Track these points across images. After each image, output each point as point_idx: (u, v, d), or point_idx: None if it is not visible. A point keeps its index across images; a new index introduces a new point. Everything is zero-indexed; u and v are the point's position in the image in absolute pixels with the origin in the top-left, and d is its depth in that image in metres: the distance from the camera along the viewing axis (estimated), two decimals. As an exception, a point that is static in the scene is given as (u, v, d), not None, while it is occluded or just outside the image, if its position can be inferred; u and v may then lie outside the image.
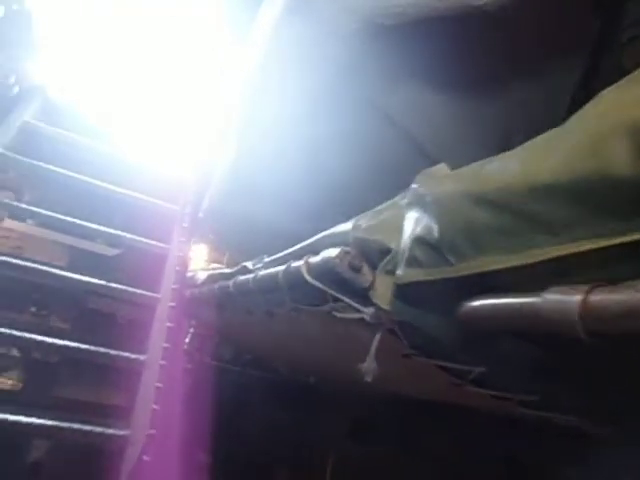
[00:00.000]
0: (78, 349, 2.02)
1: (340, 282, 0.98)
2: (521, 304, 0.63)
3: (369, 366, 1.01)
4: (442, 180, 0.80)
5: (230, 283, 1.61)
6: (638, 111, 0.53)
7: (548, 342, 0.74)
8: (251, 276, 1.43)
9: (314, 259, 1.06)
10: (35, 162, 2.44)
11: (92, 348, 2.03)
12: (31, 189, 2.72)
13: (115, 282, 2.31)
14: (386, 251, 0.89)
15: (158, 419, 1.86)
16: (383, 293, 0.91)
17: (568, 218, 0.59)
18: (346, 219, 1.15)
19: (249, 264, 1.57)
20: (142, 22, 3.08)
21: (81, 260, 2.79)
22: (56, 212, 2.42)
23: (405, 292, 0.85)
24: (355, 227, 0.99)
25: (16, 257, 2.33)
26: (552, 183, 0.58)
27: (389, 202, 1.00)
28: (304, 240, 1.30)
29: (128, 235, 2.49)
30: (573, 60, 1.58)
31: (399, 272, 0.83)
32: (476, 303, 0.71)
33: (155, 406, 1.89)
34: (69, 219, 2.41)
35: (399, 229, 0.87)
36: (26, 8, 2.49)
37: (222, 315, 2.14)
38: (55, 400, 2.51)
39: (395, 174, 1.84)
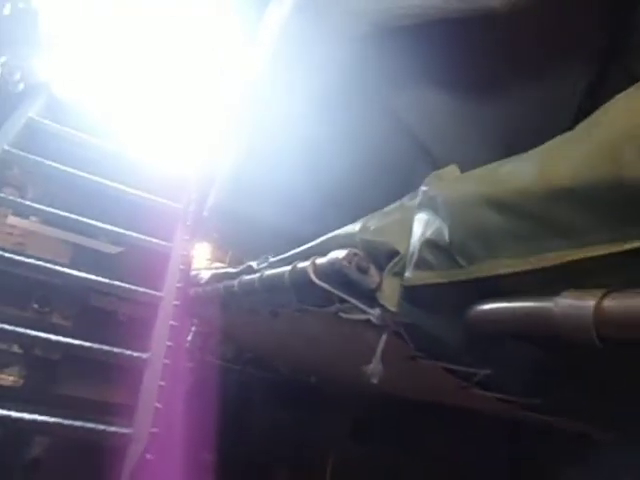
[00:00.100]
0: (81, 346, 2.02)
1: (347, 283, 0.98)
2: (533, 308, 0.63)
3: (375, 368, 1.00)
4: (453, 182, 0.80)
5: (235, 282, 1.61)
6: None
7: (557, 346, 0.73)
8: (256, 276, 1.43)
9: (321, 260, 1.05)
10: (39, 159, 2.43)
11: (95, 346, 2.03)
12: (35, 186, 2.72)
13: (117, 280, 2.31)
14: (394, 253, 0.89)
15: (161, 417, 1.86)
16: (390, 295, 0.90)
17: (582, 222, 0.58)
18: (349, 220, 1.15)
19: (254, 264, 1.56)
20: (147, 21, 3.08)
21: (84, 257, 2.79)
22: (59, 209, 2.41)
23: (413, 294, 0.85)
24: (362, 229, 0.99)
25: (19, 254, 2.33)
26: (568, 187, 0.58)
27: (396, 203, 1.00)
28: (306, 240, 1.30)
29: (131, 233, 2.49)
30: (582, 63, 1.58)
31: (407, 274, 0.83)
32: (487, 306, 0.71)
33: (158, 404, 1.89)
34: (72, 216, 2.40)
35: (407, 231, 0.86)
36: (33, 6, 2.48)
37: (225, 314, 2.14)
38: (56, 397, 2.51)
39: (399, 175, 1.84)
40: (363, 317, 1.01)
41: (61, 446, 2.35)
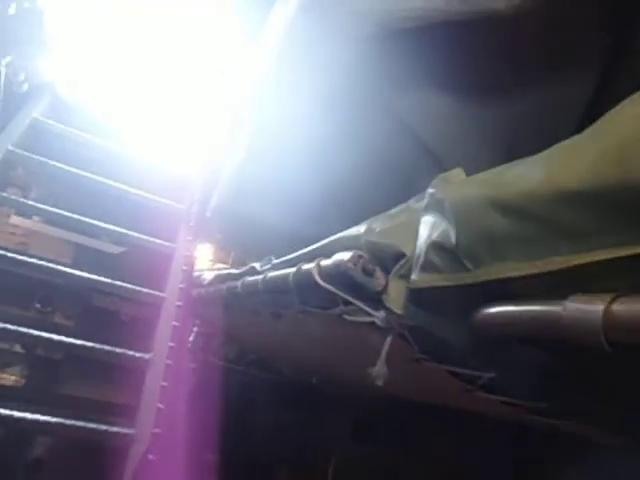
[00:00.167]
0: (83, 346, 2.02)
1: (352, 286, 0.98)
2: (541, 312, 0.63)
3: (380, 370, 1.00)
4: (460, 185, 0.80)
5: (238, 284, 1.61)
6: (665, 120, 0.53)
7: (564, 350, 0.73)
8: (260, 277, 1.43)
9: (326, 262, 1.05)
10: (43, 159, 2.44)
11: (97, 346, 2.03)
12: (38, 186, 2.72)
13: (120, 280, 2.31)
14: (400, 255, 0.89)
15: (163, 418, 1.86)
16: (396, 297, 0.90)
17: (590, 226, 0.58)
18: (351, 221, 1.15)
19: (257, 265, 1.56)
20: (150, 21, 3.08)
21: (86, 257, 2.79)
22: (62, 209, 2.42)
23: (419, 297, 0.84)
24: (368, 230, 0.99)
25: (21, 253, 2.33)
26: (575, 191, 0.58)
27: (402, 206, 1.00)
28: (309, 241, 1.30)
29: (134, 233, 2.49)
30: (586, 65, 1.57)
31: (414, 277, 0.83)
32: (493, 310, 0.70)
33: (160, 405, 1.89)
34: (75, 216, 2.41)
35: (414, 233, 0.86)
36: (38, 6, 2.49)
37: (228, 315, 2.14)
38: (58, 397, 2.51)
39: (401, 176, 1.84)
40: (367, 319, 1.01)
41: (63, 446, 2.35)
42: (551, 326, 0.61)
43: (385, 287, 0.91)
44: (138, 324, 2.54)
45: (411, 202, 0.96)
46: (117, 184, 2.58)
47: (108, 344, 2.07)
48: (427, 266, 0.79)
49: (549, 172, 0.62)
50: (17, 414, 1.75)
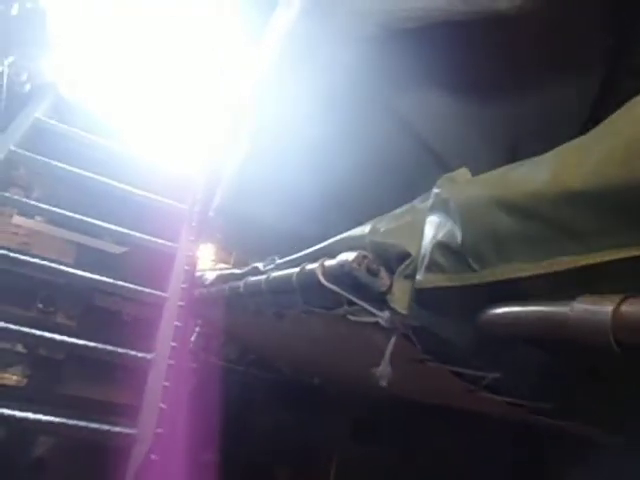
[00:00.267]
0: (85, 346, 2.02)
1: (356, 286, 0.98)
2: (548, 312, 0.63)
3: (384, 370, 1.00)
4: (466, 185, 0.80)
5: (241, 284, 1.61)
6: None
7: (570, 351, 0.73)
8: (263, 277, 1.43)
9: (330, 262, 1.05)
10: (45, 159, 2.44)
11: (99, 346, 2.03)
12: (40, 186, 2.72)
13: (122, 280, 2.31)
14: (405, 255, 0.89)
15: (165, 418, 1.86)
16: (400, 297, 0.90)
17: (598, 226, 0.58)
18: (353, 220, 1.15)
19: (260, 265, 1.56)
20: (153, 22, 3.08)
21: (88, 257, 2.80)
22: (65, 209, 2.42)
23: (424, 297, 0.84)
24: (372, 230, 0.99)
25: (24, 253, 2.34)
26: (583, 191, 0.58)
27: (407, 206, 1.00)
28: (311, 241, 1.30)
29: (136, 233, 2.49)
30: (588, 65, 1.57)
31: (419, 277, 0.83)
32: (500, 310, 0.70)
33: (162, 405, 1.89)
34: (77, 216, 2.41)
35: (419, 234, 0.86)
36: (40, 6, 2.49)
37: (230, 315, 2.14)
38: (60, 397, 2.51)
39: (402, 176, 1.84)
40: (371, 320, 1.01)
41: (66, 446, 2.35)
42: (558, 327, 0.61)
43: (390, 287, 0.91)
44: (140, 324, 2.55)
45: (416, 202, 0.96)
46: (119, 184, 2.58)
47: (110, 344, 2.07)
48: (432, 266, 0.79)
49: (555, 172, 0.62)
50: (19, 414, 1.75)
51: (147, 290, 2.31)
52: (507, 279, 0.68)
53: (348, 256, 0.96)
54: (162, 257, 2.53)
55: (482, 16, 1.42)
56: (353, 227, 1.11)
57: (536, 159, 0.69)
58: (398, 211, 1.00)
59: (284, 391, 3.12)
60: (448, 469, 2.52)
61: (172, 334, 2.15)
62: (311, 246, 1.29)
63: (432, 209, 0.84)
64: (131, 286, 2.30)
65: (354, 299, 1.01)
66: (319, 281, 1.07)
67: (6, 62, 2.46)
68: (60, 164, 2.46)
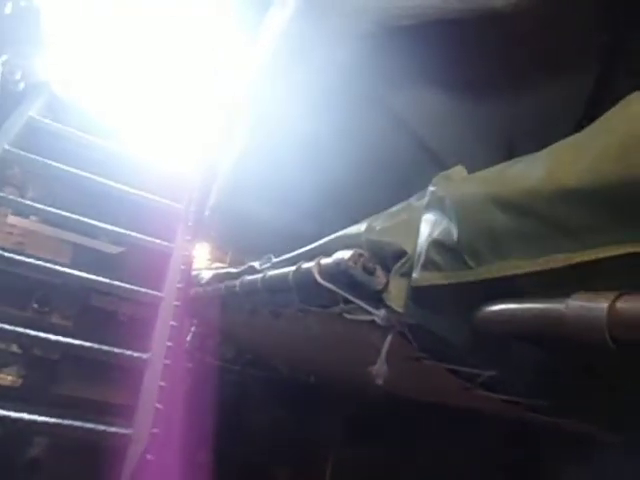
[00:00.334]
0: (81, 346, 2.01)
1: (352, 284, 0.98)
2: (543, 310, 0.63)
3: (380, 368, 1.00)
4: (462, 183, 0.80)
5: (237, 283, 1.60)
6: (668, 117, 0.53)
7: (565, 348, 0.73)
8: (259, 276, 1.42)
9: (326, 260, 1.05)
10: (39, 158, 2.42)
11: (95, 346, 2.02)
12: (35, 185, 2.71)
13: (118, 280, 2.30)
14: (401, 253, 0.89)
15: (161, 418, 1.85)
16: (397, 295, 0.90)
17: (593, 223, 0.58)
18: (349, 218, 1.15)
19: (256, 264, 1.56)
20: (148, 20, 3.08)
21: (84, 257, 2.78)
22: (60, 209, 2.41)
23: (420, 295, 0.84)
24: (368, 229, 0.99)
25: (19, 253, 2.32)
26: (578, 188, 0.58)
27: (403, 204, 1.00)
28: (307, 239, 1.30)
29: (132, 233, 2.48)
30: (584, 64, 1.58)
31: (415, 275, 0.83)
32: (496, 308, 0.70)
33: (158, 405, 1.88)
34: (72, 216, 2.40)
35: (415, 232, 0.86)
36: (34, 4, 2.47)
37: (226, 314, 2.14)
38: (56, 397, 2.50)
39: (398, 174, 1.84)
40: (368, 318, 1.01)
41: (61, 446, 2.34)
42: (554, 324, 0.61)
43: (386, 285, 0.91)
44: (136, 324, 2.54)
45: (412, 200, 0.96)
46: (115, 184, 2.57)
47: (106, 344, 2.06)
48: (428, 264, 0.79)
49: (550, 169, 0.63)
50: (14, 414, 1.74)
51: (143, 290, 2.30)
52: (503, 276, 0.68)
53: (344, 254, 0.96)
54: (158, 257, 2.52)
55: (477, 14, 1.42)
56: (349, 225, 1.11)
57: (531, 156, 0.69)
58: (394, 209, 1.00)
59: (280, 390, 3.11)
60: (445, 467, 2.52)
61: (168, 334, 2.14)
62: (307, 244, 1.29)
63: (428, 207, 0.84)
64: (127, 286, 2.29)
65: (350, 297, 1.01)
66: (315, 280, 1.07)
67: (0, 60, 2.44)
68: (55, 163, 2.45)
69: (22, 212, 2.61)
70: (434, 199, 0.83)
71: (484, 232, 0.69)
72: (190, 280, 2.41)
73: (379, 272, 0.92)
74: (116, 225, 2.47)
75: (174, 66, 3.17)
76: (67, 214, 2.39)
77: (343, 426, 2.94)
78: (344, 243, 1.04)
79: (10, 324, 1.96)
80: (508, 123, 1.75)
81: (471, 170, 0.89)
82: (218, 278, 2.00)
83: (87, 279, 2.27)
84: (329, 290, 1.05)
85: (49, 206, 2.42)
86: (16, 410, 1.76)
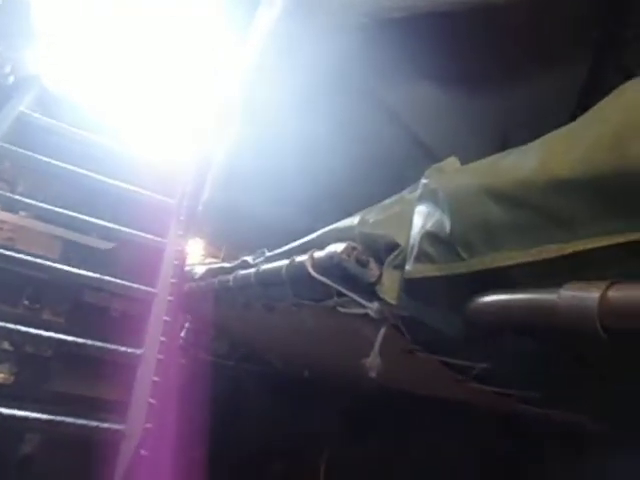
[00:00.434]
0: (74, 343, 2.00)
1: (346, 277, 0.98)
2: (536, 300, 0.63)
3: (373, 361, 1.00)
4: (454, 174, 0.80)
5: (230, 277, 1.60)
6: (659, 107, 0.53)
7: (557, 339, 0.74)
8: (252, 270, 1.42)
9: (319, 254, 1.05)
10: (29, 153, 2.40)
11: (88, 342, 2.01)
12: (25, 180, 2.68)
13: (110, 276, 2.28)
14: (394, 246, 0.89)
15: (155, 413, 1.85)
16: (390, 288, 0.90)
17: (585, 213, 0.58)
18: (343, 213, 1.15)
19: (249, 258, 1.56)
20: (141, 14, 3.05)
21: (75, 253, 2.76)
22: (50, 204, 2.38)
23: (413, 287, 0.85)
24: (362, 222, 0.99)
25: (8, 249, 2.30)
26: (571, 178, 0.58)
27: (396, 196, 1.00)
28: (301, 235, 1.29)
29: (123, 228, 2.47)
30: (576, 57, 1.58)
31: (408, 267, 0.83)
32: (488, 299, 0.71)
33: (151, 400, 1.88)
34: (63, 211, 2.37)
35: (408, 224, 0.86)
36: (25, -3, 2.44)
37: (219, 309, 2.13)
38: (49, 394, 2.49)
39: (392, 167, 1.84)
40: (361, 311, 1.01)
41: (55, 443, 2.33)
42: (546, 314, 0.61)
43: (379, 278, 0.91)
44: (129, 320, 2.53)
45: (405, 193, 0.96)
46: (107, 179, 2.55)
47: (99, 340, 2.05)
48: (421, 256, 0.79)
49: (543, 160, 0.63)
50: (6, 411, 1.73)
51: (135, 286, 2.29)
52: (495, 267, 0.68)
53: (337, 247, 0.96)
54: (151, 252, 2.51)
55: (469, 6, 1.42)
56: (343, 219, 1.11)
57: (524, 147, 0.69)
58: (387, 202, 1.00)
59: (274, 385, 3.11)
60: (438, 460, 2.54)
61: (161, 329, 2.13)
62: (301, 239, 1.28)
63: (421, 199, 0.84)
64: (119, 282, 2.27)
65: (343, 290, 1.01)
66: (309, 273, 1.07)
67: (-11, 54, 2.41)
68: (46, 159, 2.42)
69: (12, 207, 2.58)
70: (427, 191, 0.83)
71: (477, 223, 0.69)
72: (183, 275, 2.40)
73: (372, 265, 0.92)
74: (108, 220, 2.46)
75: (166, 60, 3.15)
76: (58, 209, 2.37)
77: (337, 420, 2.95)
78: (337, 236, 1.04)
79: (1, 321, 1.94)
80: (502, 116, 1.75)
81: (465, 163, 0.89)
82: (211, 273, 1.99)
83: (79, 275, 2.25)
84: (322, 283, 1.05)
85: (40, 201, 2.40)
86: (8, 407, 1.75)
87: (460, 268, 0.72)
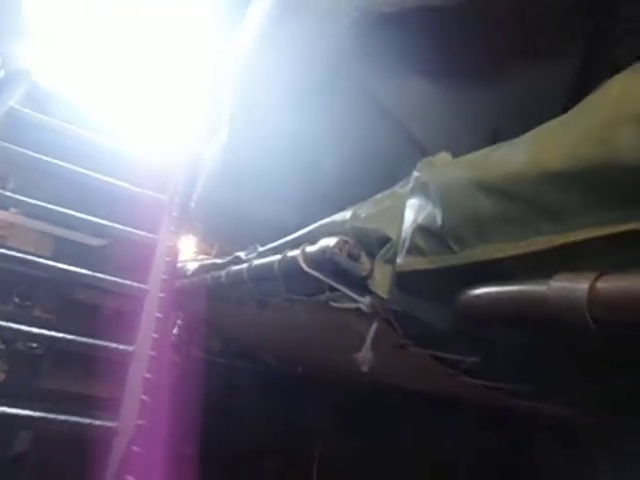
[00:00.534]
0: (65, 340, 1.99)
1: (338, 271, 0.98)
2: (526, 292, 0.63)
3: (365, 356, 1.01)
4: (445, 168, 0.80)
5: (223, 273, 1.60)
6: (647, 99, 0.54)
7: (547, 331, 0.74)
8: (245, 266, 1.42)
9: (311, 248, 1.05)
10: (20, 149, 2.38)
11: (79, 339, 1.99)
12: (16, 177, 2.66)
13: (101, 273, 2.27)
14: (385, 239, 0.89)
15: (147, 410, 1.84)
16: (381, 281, 0.90)
17: (575, 205, 0.59)
18: (335, 209, 1.15)
19: (242, 254, 1.55)
20: (133, 11, 3.03)
21: (66, 250, 2.75)
22: (41, 201, 2.36)
23: (405, 280, 0.85)
24: (353, 216, 0.99)
25: (0, 246, 2.28)
26: (560, 171, 0.59)
27: (388, 191, 1.00)
28: (294, 231, 1.29)
29: (115, 225, 2.45)
30: (568, 50, 1.59)
31: (399, 260, 0.83)
32: (478, 291, 0.71)
33: (144, 397, 1.87)
34: (55, 208, 2.35)
35: (399, 218, 0.86)
36: (15, -9, 2.41)
37: (212, 306, 2.13)
38: (40, 391, 2.47)
39: (384, 164, 1.84)
40: (353, 306, 1.01)
41: (48, 440, 2.32)
42: (536, 305, 0.62)
43: (371, 272, 0.91)
44: (121, 317, 2.51)
45: (397, 187, 0.96)
46: (99, 175, 2.53)
47: (90, 338, 2.04)
48: (413, 249, 0.80)
49: (533, 152, 0.63)
50: (-2, 408, 1.71)
51: (127, 282, 2.27)
52: (486, 260, 0.69)
53: (329, 242, 0.96)
54: (143, 249, 2.50)
55: (459, 0, 1.42)
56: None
57: (515, 140, 0.69)
58: (379, 196, 1.00)
59: (268, 382, 3.12)
60: (430, 454, 2.55)
61: (153, 326, 2.12)
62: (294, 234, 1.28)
63: (412, 193, 0.84)
64: (111, 279, 2.26)
65: (335, 285, 1.01)
66: (301, 267, 1.07)
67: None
68: (37, 155, 2.40)
69: (3, 204, 2.56)
70: (418, 185, 0.83)
71: (468, 216, 0.70)
72: (175, 272, 2.39)
73: (364, 259, 0.92)
74: (100, 217, 2.44)
75: (159, 57, 3.13)
76: (49, 206, 2.35)
77: (330, 416, 2.95)
78: (329, 230, 1.04)
79: (-9, 318, 1.92)
80: (494, 111, 1.75)
81: (456, 157, 0.89)
82: (204, 269, 1.99)
83: (71, 272, 2.23)
84: (315, 278, 1.05)
85: (31, 198, 2.37)
86: (0, 405, 1.73)
87: (451, 261, 0.72)
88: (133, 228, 2.48)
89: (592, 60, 1.54)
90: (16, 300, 2.68)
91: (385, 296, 0.89)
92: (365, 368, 1.00)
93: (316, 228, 1.13)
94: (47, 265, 2.22)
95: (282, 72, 1.78)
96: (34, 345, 2.55)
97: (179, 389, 2.45)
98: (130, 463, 1.71)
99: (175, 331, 3.02)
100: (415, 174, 0.86)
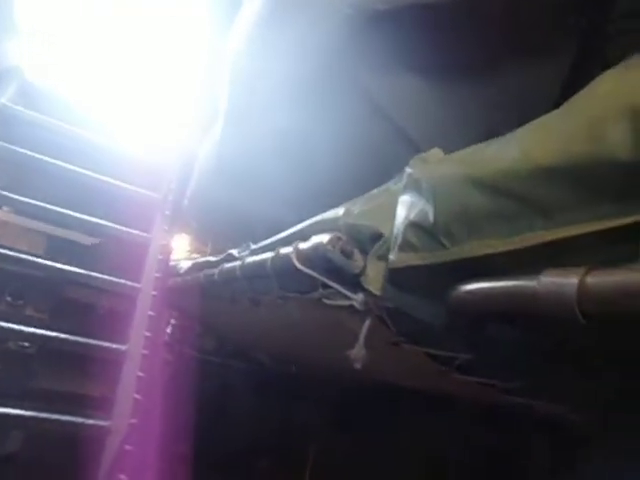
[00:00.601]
0: (58, 339, 1.98)
1: (331, 268, 0.98)
2: (516, 287, 0.64)
3: (358, 353, 1.01)
4: (438, 164, 0.80)
5: (216, 271, 1.59)
6: (637, 95, 0.54)
7: (537, 326, 0.75)
8: (238, 263, 1.42)
9: (304, 245, 1.05)
10: (11, 146, 2.36)
11: (72, 338, 1.98)
12: (7, 174, 2.64)
13: (94, 272, 2.25)
14: (378, 236, 0.89)
15: (140, 409, 1.83)
16: (374, 278, 0.90)
17: (564, 201, 0.59)
18: (328, 206, 1.15)
19: (235, 251, 1.55)
20: (126, 9, 3.02)
21: (59, 249, 2.73)
22: (33, 199, 2.35)
23: (397, 277, 0.85)
24: (346, 213, 0.99)
25: (-9, 245, 2.26)
26: (550, 167, 0.59)
27: (381, 188, 1.00)
28: (287, 227, 1.29)
29: (108, 224, 2.43)
30: (561, 48, 1.59)
31: (392, 257, 0.83)
32: (470, 287, 0.71)
33: (137, 396, 1.86)
34: (47, 206, 2.34)
35: (392, 214, 0.86)
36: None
37: (205, 304, 2.12)
38: (33, 391, 2.46)
39: (378, 161, 1.84)
40: (346, 303, 1.01)
41: (41, 439, 2.30)
42: (527, 300, 0.62)
43: (364, 268, 0.91)
44: (113, 316, 2.50)
45: (390, 184, 0.96)
46: (91, 173, 2.52)
47: (83, 337, 2.03)
48: (405, 246, 0.80)
49: (524, 149, 0.63)
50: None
51: (120, 281, 2.26)
52: (477, 255, 0.69)
53: (322, 238, 0.96)
54: (135, 247, 2.48)
55: None
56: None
57: (506, 137, 0.70)
58: (372, 193, 1.00)
59: (262, 381, 3.11)
60: (426, 454, 2.56)
61: (146, 324, 2.11)
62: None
63: (405, 189, 0.84)
64: (103, 277, 2.24)
65: (328, 282, 1.01)
66: (294, 265, 1.06)
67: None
68: (28, 152, 2.38)
69: (-6, 202, 2.54)
70: (411, 181, 0.83)
71: (460, 213, 0.70)
72: (168, 270, 2.38)
73: (357, 255, 0.92)
74: (93, 215, 2.42)
75: (153, 55, 3.12)
76: (41, 204, 2.33)
77: (324, 414, 2.96)
78: (322, 227, 1.04)
79: (-17, 318, 1.91)
80: (488, 108, 1.76)
81: (449, 154, 0.90)
82: (197, 267, 1.98)
83: (63, 271, 2.22)
84: (308, 275, 1.04)
85: (22, 196, 2.36)
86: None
87: (442, 257, 0.72)
88: (126, 226, 2.47)
89: (585, 57, 1.55)
90: (8, 299, 2.66)
91: (378, 293, 0.89)
92: (358, 365, 1.00)
93: (309, 225, 1.13)
94: (39, 263, 2.20)
95: (275, 70, 1.77)
96: (26, 344, 2.54)
97: (172, 388, 2.45)
98: (123, 462, 1.71)
99: (168, 330, 3.01)
100: (408, 171, 0.86)
